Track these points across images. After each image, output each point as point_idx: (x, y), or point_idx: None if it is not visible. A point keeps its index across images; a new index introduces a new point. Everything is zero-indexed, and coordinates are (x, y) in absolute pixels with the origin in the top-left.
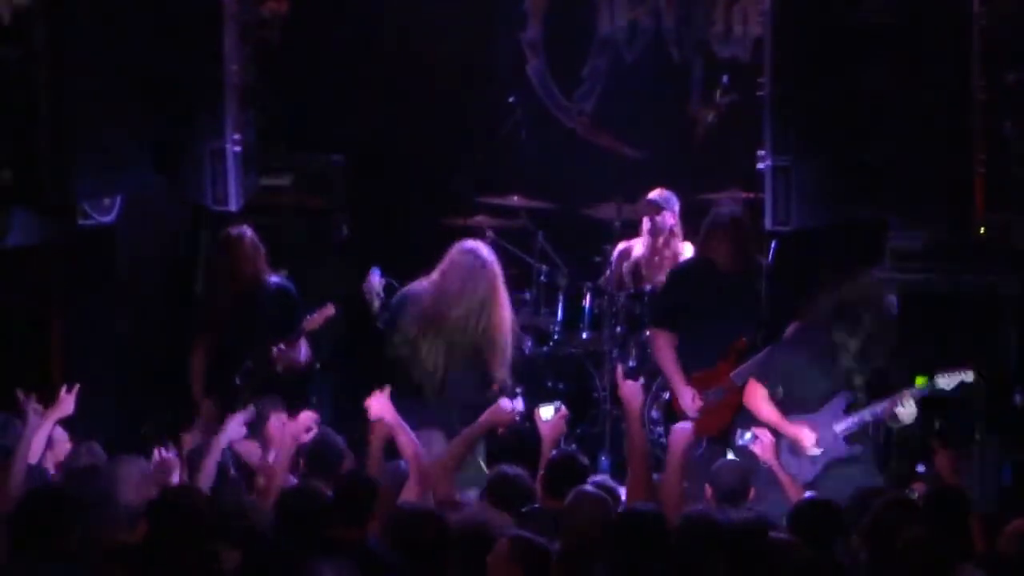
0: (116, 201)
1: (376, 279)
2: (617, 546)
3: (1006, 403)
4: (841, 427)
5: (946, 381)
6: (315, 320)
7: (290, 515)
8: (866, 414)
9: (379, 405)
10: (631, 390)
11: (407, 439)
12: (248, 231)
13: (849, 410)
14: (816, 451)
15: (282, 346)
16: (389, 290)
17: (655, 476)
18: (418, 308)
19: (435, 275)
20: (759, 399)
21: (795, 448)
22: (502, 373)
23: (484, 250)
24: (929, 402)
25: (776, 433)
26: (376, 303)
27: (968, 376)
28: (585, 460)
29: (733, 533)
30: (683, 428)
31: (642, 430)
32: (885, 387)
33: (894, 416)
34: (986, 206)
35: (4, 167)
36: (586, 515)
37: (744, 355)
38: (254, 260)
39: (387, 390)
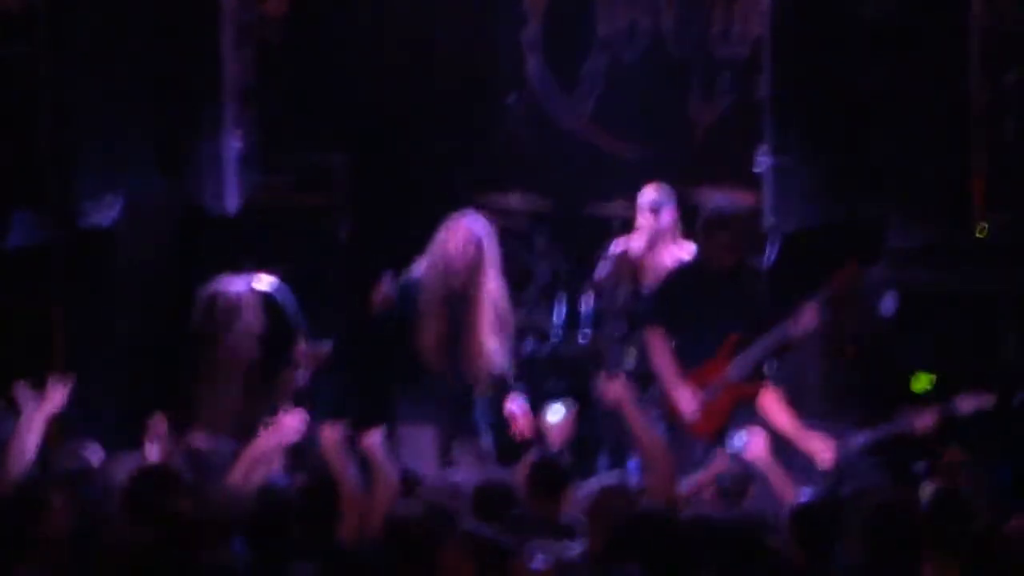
0: (116, 201)
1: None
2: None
3: (1005, 403)
4: (860, 439)
5: (967, 405)
6: (309, 357)
7: (261, 515)
8: (889, 427)
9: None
10: (614, 391)
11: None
12: (251, 296)
13: (869, 423)
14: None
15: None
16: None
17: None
18: (418, 290)
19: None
20: (776, 405)
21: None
22: (492, 341)
23: (466, 218)
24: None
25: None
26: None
27: (989, 403)
28: (566, 459)
29: (730, 532)
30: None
31: (644, 425)
32: (906, 398)
33: (923, 429)
34: (986, 206)
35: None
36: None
37: (737, 351)
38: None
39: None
